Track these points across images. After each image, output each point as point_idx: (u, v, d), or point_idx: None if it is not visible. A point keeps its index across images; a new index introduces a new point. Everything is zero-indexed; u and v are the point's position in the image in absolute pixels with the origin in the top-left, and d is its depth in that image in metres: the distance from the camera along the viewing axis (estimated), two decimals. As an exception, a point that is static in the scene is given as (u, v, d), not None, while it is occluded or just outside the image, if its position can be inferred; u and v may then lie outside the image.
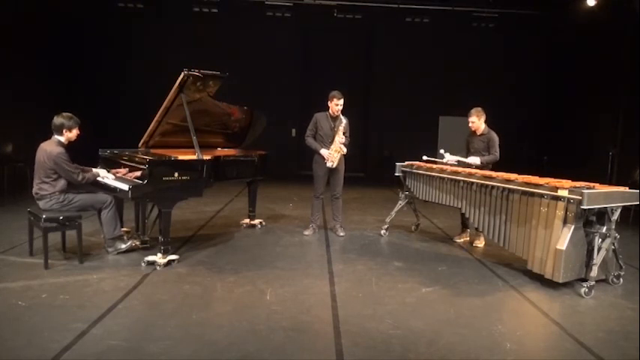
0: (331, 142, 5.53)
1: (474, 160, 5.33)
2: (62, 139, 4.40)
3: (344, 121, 5.51)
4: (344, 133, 5.54)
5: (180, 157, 4.61)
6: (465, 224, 5.76)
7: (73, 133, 4.45)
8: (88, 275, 4.08)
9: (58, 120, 4.38)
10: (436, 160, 5.72)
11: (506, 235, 4.54)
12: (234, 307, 3.58)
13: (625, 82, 8.92)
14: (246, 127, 5.93)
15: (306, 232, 5.85)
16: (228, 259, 4.73)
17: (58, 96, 9.22)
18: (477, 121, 5.39)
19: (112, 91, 11.15)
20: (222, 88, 5.16)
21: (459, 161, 5.55)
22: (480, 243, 5.57)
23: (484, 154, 5.38)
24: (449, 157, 5.62)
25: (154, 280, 4.06)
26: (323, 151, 5.54)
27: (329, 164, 5.52)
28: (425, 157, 5.79)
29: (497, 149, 5.33)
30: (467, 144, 5.62)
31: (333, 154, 5.50)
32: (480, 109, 5.42)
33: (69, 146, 4.46)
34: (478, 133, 5.45)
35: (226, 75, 4.98)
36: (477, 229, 5.19)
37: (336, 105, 5.50)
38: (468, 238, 5.76)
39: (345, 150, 5.53)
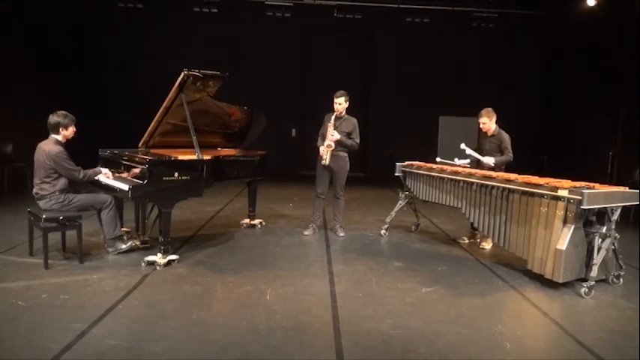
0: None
1: (488, 160, 5.25)
2: (59, 137, 4.40)
3: (332, 118, 5.52)
4: (348, 134, 5.54)
5: (180, 157, 4.60)
6: (474, 226, 5.55)
7: (70, 131, 4.45)
8: (88, 275, 4.08)
9: (53, 119, 4.37)
10: (449, 162, 5.58)
11: (506, 235, 4.53)
12: (234, 307, 3.58)
13: (625, 82, 8.92)
14: (246, 127, 5.93)
15: (306, 232, 5.85)
16: (228, 259, 4.73)
17: (58, 96, 9.19)
18: (488, 122, 5.33)
19: (112, 91, 11.15)
20: (222, 88, 5.16)
21: (471, 160, 5.49)
22: (488, 245, 5.46)
23: (496, 155, 5.31)
24: (467, 150, 5.47)
25: (154, 280, 4.06)
26: (321, 148, 5.59)
27: (322, 162, 5.56)
28: (439, 159, 5.72)
29: (510, 150, 5.26)
30: (479, 145, 5.57)
31: (325, 150, 5.52)
32: (490, 109, 5.35)
33: (67, 144, 4.46)
34: (489, 134, 5.39)
35: (226, 75, 4.98)
36: (478, 229, 5.16)
37: (335, 104, 5.53)
38: (475, 240, 5.64)
39: (333, 146, 5.49)
